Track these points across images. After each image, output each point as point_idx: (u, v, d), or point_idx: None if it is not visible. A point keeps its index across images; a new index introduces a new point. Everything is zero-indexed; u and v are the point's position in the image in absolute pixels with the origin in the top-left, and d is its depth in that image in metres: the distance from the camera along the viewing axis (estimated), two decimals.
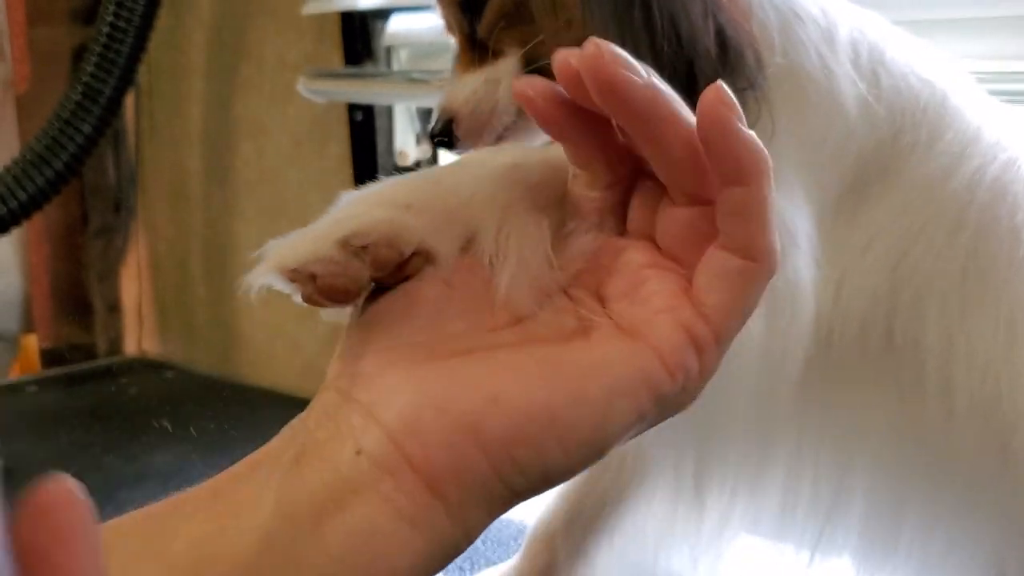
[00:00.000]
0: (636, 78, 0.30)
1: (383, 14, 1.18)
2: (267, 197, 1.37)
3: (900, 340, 0.56)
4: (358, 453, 0.30)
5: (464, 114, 0.63)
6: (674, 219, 0.33)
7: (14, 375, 1.54)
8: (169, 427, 1.15)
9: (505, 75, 0.62)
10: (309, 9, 1.15)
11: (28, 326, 1.55)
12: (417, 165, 1.23)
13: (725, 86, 0.30)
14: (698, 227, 0.33)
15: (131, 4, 1.16)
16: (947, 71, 0.60)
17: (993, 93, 0.62)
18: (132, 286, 1.57)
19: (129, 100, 1.44)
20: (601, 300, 0.34)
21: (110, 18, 1.16)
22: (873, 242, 0.57)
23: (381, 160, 1.21)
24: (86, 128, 1.18)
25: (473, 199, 0.34)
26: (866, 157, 0.57)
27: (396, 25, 1.18)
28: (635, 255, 0.35)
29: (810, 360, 0.56)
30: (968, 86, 0.61)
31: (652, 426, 0.33)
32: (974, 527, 0.58)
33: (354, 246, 0.32)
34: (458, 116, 0.63)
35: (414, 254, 0.33)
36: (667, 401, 0.32)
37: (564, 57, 0.32)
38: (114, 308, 1.54)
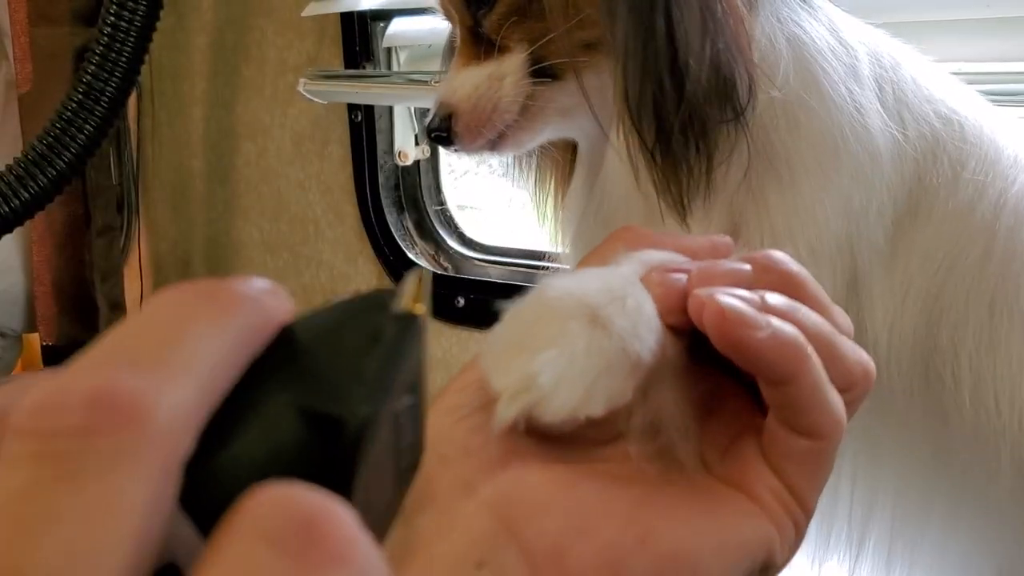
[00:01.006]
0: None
1: (383, 16, 1.18)
2: (268, 197, 1.38)
3: (937, 375, 0.57)
4: (480, 566, 0.27)
5: (464, 109, 0.61)
6: (791, 445, 0.33)
7: (16, 373, 1.55)
8: None
9: (511, 72, 0.60)
10: (310, 11, 1.16)
11: (31, 324, 1.55)
12: (416, 165, 1.23)
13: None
14: (810, 458, 0.32)
15: (133, 5, 1.16)
16: (959, 93, 0.60)
17: (985, 94, 0.63)
18: (134, 285, 1.58)
19: (131, 100, 1.44)
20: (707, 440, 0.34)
21: (112, 19, 1.16)
22: (911, 286, 0.57)
23: (381, 160, 1.22)
24: (88, 128, 1.18)
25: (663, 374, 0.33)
26: (899, 208, 0.57)
27: (396, 27, 1.19)
28: (733, 408, 0.34)
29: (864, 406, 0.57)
30: (979, 103, 0.61)
31: None
32: (989, 542, 0.59)
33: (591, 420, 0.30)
34: (458, 111, 0.61)
35: None
36: (774, 565, 0.32)
37: (698, 305, 0.31)
38: (116, 307, 1.54)
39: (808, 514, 0.33)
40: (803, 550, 0.63)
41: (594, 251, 0.36)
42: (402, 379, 0.22)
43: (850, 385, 0.33)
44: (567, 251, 0.68)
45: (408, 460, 0.23)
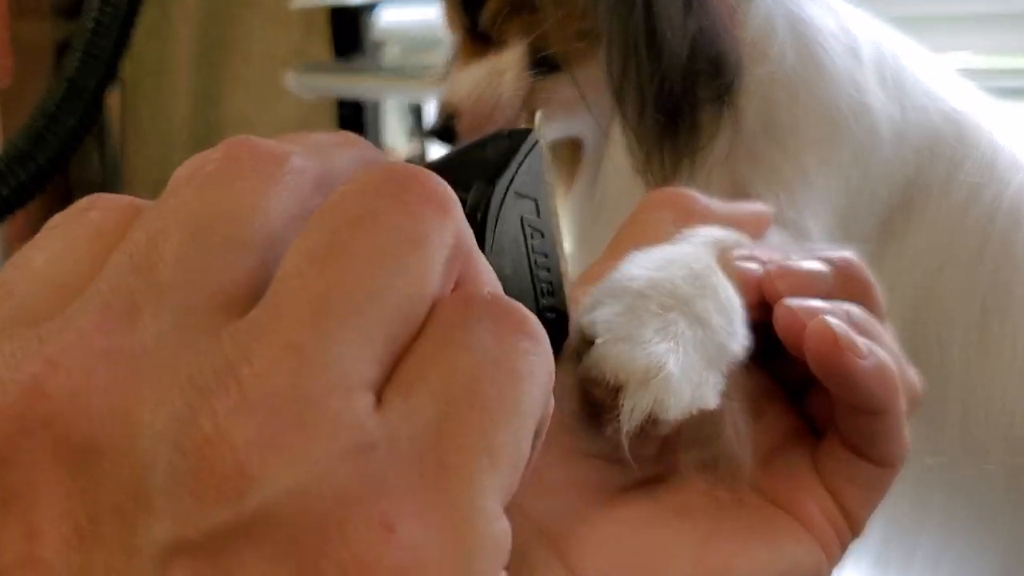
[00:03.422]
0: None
1: (373, 7, 1.17)
2: None
3: (924, 375, 0.56)
4: None
5: (466, 108, 0.61)
6: (856, 470, 0.31)
7: None
8: None
9: (511, 66, 0.60)
10: (298, 2, 1.15)
11: None
12: (408, 162, 1.22)
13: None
14: (874, 483, 0.32)
15: None
16: (959, 89, 0.60)
17: (990, 89, 0.62)
18: None
19: (114, 95, 1.43)
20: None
21: (94, 12, 1.15)
22: (898, 283, 0.56)
23: None
24: (70, 123, 1.17)
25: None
26: (894, 198, 0.57)
27: (386, 19, 1.17)
28: (776, 411, 0.33)
29: None
30: (980, 100, 0.60)
31: None
32: (985, 548, 0.59)
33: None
34: (460, 110, 0.61)
35: None
36: None
37: (792, 319, 0.29)
38: None
39: (857, 535, 0.31)
40: None
41: (635, 218, 0.34)
42: (520, 180, 0.24)
43: (908, 407, 0.31)
44: (569, 247, 0.68)
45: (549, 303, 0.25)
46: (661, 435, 0.28)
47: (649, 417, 0.26)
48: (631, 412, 0.26)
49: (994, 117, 0.60)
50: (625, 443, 0.26)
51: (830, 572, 0.31)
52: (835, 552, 0.31)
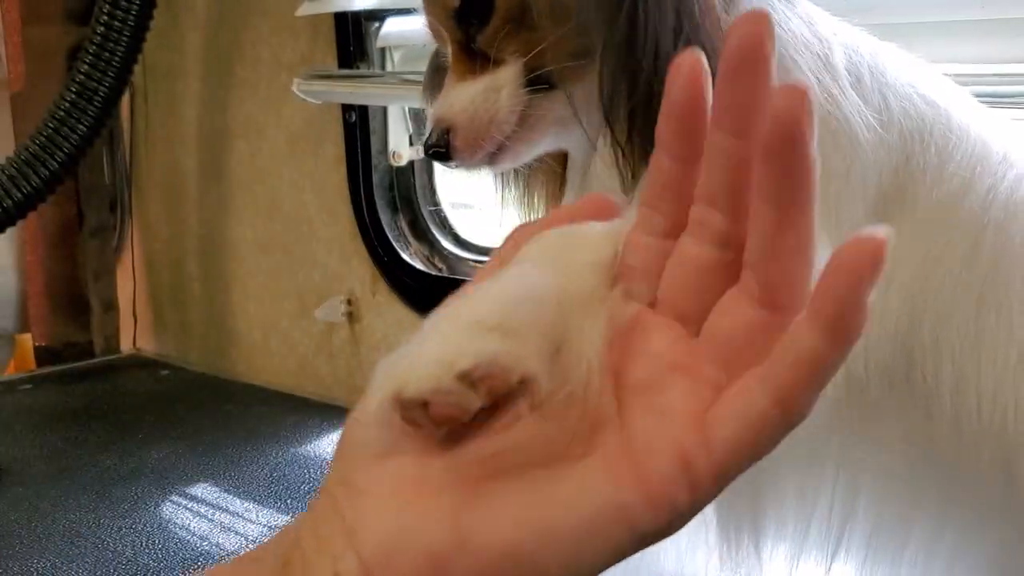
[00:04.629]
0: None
1: (377, 16, 1.18)
2: (262, 197, 1.37)
3: (919, 374, 0.56)
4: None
5: (461, 124, 0.61)
6: (738, 317, 0.32)
7: (8, 374, 1.54)
8: (163, 425, 1.15)
9: (507, 83, 0.60)
10: (303, 11, 1.16)
11: (23, 324, 1.55)
12: (410, 166, 1.23)
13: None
14: (759, 335, 0.31)
15: (126, 4, 1.16)
16: (944, 85, 0.60)
17: (980, 96, 0.63)
18: (127, 285, 1.57)
19: (124, 100, 1.44)
20: (621, 380, 0.33)
21: (105, 18, 1.16)
22: (894, 272, 0.55)
23: (375, 161, 1.22)
24: (81, 128, 1.18)
25: (561, 313, 0.33)
26: (884, 185, 0.56)
27: (390, 27, 1.18)
28: (663, 343, 0.33)
29: (839, 398, 0.55)
30: (966, 98, 0.60)
31: (635, 553, 0.32)
32: (978, 541, 0.58)
33: (472, 378, 0.31)
34: (455, 126, 0.61)
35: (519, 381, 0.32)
36: (648, 535, 0.31)
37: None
38: (109, 306, 1.54)
39: (717, 478, 0.31)
40: (780, 548, 0.63)
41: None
42: None
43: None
44: None
45: None
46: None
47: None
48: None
49: (982, 116, 0.60)
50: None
51: (677, 514, 0.31)
52: (674, 494, 0.30)
